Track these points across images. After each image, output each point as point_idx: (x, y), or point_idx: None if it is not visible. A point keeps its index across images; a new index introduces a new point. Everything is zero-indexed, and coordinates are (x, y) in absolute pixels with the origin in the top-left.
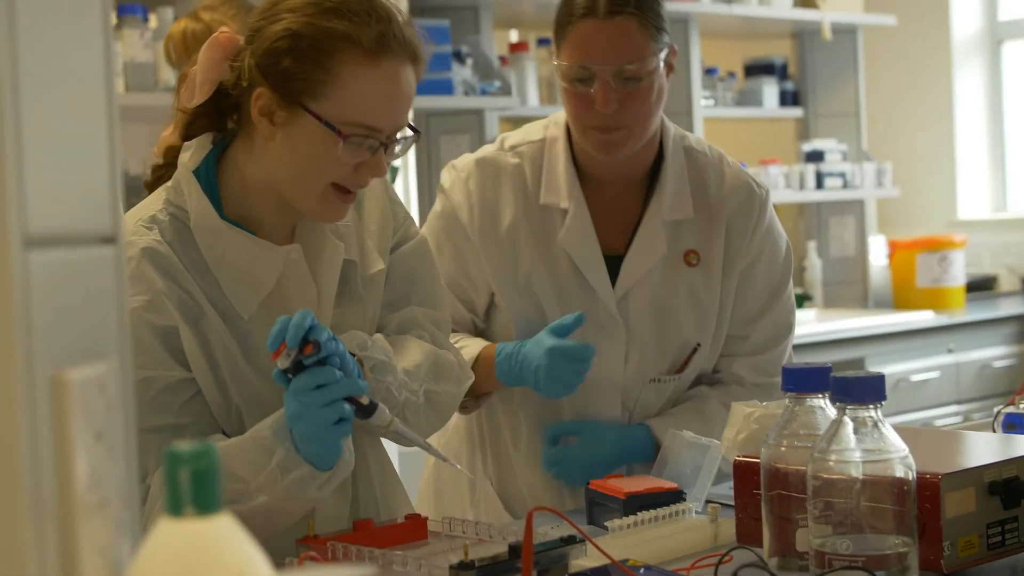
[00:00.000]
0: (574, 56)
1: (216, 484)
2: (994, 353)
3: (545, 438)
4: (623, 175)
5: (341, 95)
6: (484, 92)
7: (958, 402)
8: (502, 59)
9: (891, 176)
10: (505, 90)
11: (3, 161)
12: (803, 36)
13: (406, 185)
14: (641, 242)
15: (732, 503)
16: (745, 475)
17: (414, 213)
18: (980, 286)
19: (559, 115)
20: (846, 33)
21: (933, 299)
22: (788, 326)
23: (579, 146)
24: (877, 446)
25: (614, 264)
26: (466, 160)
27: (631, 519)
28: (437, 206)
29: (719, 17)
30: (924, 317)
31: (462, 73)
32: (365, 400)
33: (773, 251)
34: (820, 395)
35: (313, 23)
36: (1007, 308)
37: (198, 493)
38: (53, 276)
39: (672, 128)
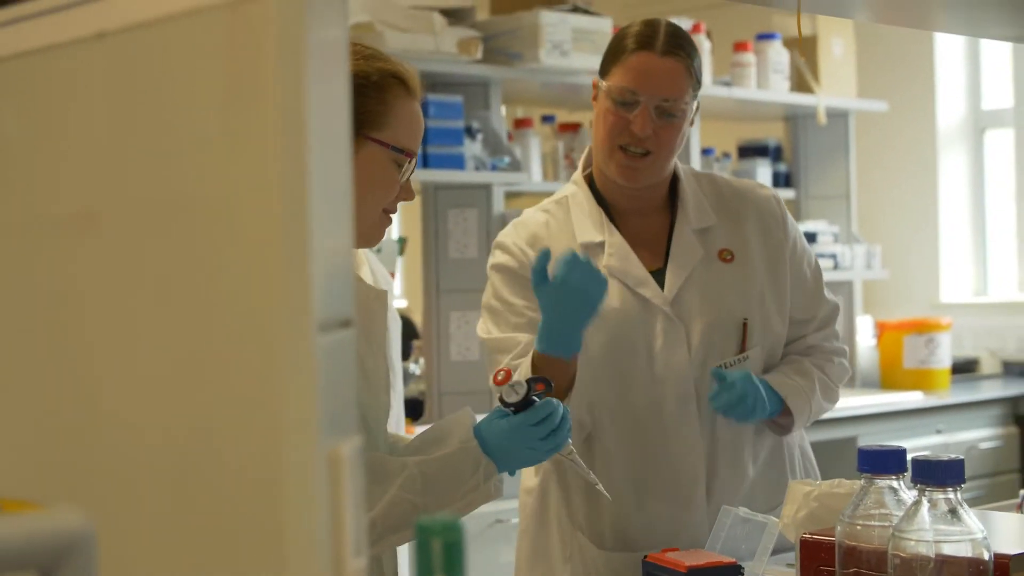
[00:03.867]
0: (624, 80)
1: (463, 554)
2: (980, 435)
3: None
4: (644, 204)
5: (396, 124)
6: (494, 167)
7: None
8: (508, 134)
9: (880, 258)
10: (514, 166)
11: (309, 252)
12: (796, 119)
13: (412, 257)
14: (678, 250)
15: None
16: (812, 552)
17: (418, 284)
18: (963, 368)
19: (571, 180)
20: (839, 117)
21: (920, 380)
22: (833, 299)
23: (602, 183)
24: (956, 527)
25: (657, 278)
26: (507, 227)
27: None
28: (494, 260)
29: (716, 99)
30: (914, 398)
31: (473, 148)
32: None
33: (801, 237)
34: (894, 476)
35: (365, 65)
36: (989, 391)
37: (447, 563)
38: (326, 359)
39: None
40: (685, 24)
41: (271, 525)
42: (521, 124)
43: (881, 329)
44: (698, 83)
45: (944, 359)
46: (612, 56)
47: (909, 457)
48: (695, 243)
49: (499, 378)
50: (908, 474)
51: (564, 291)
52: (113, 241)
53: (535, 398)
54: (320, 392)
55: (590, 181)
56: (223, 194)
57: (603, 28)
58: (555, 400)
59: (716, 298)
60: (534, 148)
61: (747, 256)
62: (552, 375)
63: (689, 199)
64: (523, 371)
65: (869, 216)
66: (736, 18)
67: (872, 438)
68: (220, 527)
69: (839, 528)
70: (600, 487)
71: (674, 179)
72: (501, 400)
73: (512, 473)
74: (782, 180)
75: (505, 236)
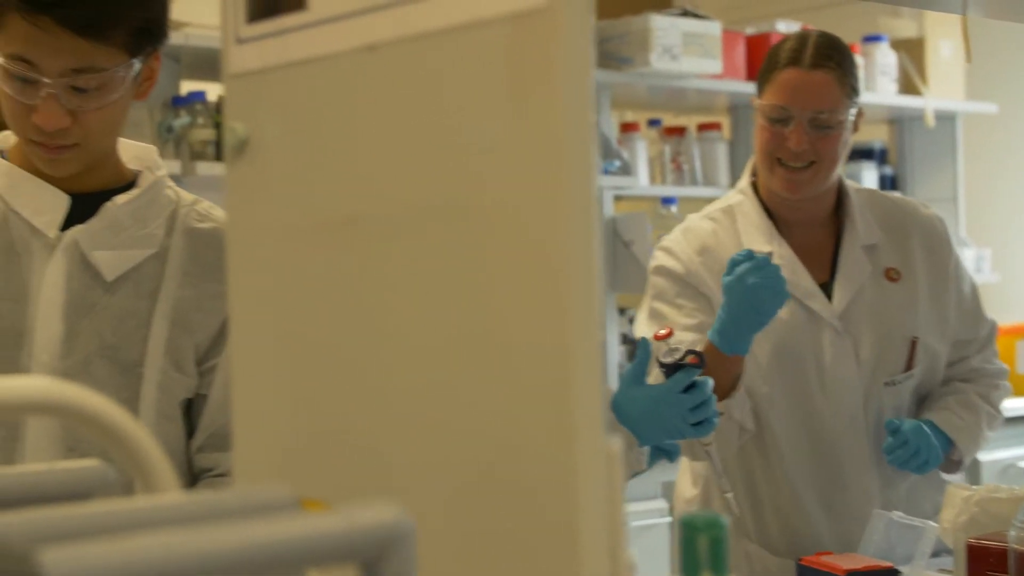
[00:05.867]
0: (775, 98)
1: (727, 550)
2: None
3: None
4: (810, 217)
5: None
6: (606, 171)
7: None
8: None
9: (990, 262)
10: (625, 170)
11: (595, 254)
12: (902, 122)
13: None
14: (846, 265)
15: None
16: (980, 557)
17: None
18: None
19: (737, 189)
20: (946, 120)
21: None
22: (991, 317)
23: (767, 194)
24: None
25: (824, 291)
26: (674, 233)
27: None
28: (660, 263)
29: None
30: None
31: None
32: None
33: (961, 258)
34: None
35: None
36: None
37: (713, 558)
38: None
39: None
40: (792, 27)
41: (565, 520)
42: (628, 128)
43: None
44: (853, 91)
45: None
46: (765, 74)
47: None
48: (863, 259)
49: (660, 333)
50: None
51: (752, 288)
52: (387, 244)
53: (681, 365)
54: (603, 391)
55: (756, 191)
56: (509, 198)
57: (712, 32)
58: (709, 380)
59: (885, 315)
60: (641, 152)
61: (913, 276)
62: (718, 370)
63: (857, 214)
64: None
65: (978, 220)
66: (843, 20)
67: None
68: (515, 523)
69: (1012, 533)
70: (729, 495)
71: (839, 192)
72: (656, 360)
73: (652, 450)
74: (888, 183)
75: (673, 243)
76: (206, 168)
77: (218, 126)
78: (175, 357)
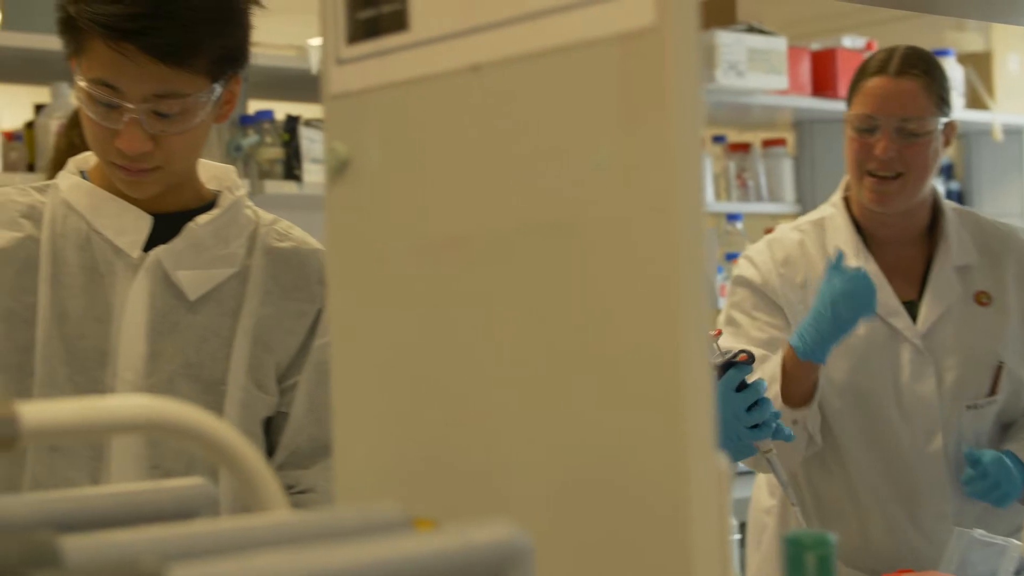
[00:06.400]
0: (862, 107)
1: (834, 568)
2: None
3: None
4: (902, 232)
5: None
6: None
7: None
8: None
9: None
10: None
11: (704, 273)
12: (969, 136)
13: None
14: (935, 285)
15: None
16: None
17: None
18: None
19: (829, 202)
20: (1013, 134)
21: None
22: None
23: (859, 209)
24: None
25: (909, 309)
26: (760, 242)
27: None
28: (741, 272)
29: None
30: None
31: None
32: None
33: None
34: None
35: None
36: None
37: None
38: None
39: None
40: (858, 42)
41: (678, 539)
42: None
43: None
44: (943, 102)
45: None
46: (853, 86)
47: None
48: (954, 280)
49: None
50: None
51: (839, 294)
52: (492, 263)
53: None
54: (713, 409)
55: (848, 206)
56: (620, 216)
57: (777, 47)
58: (763, 380)
59: (971, 337)
60: (706, 169)
61: (1004, 301)
62: (794, 376)
63: (952, 234)
64: (772, 366)
65: None
66: (908, 34)
67: None
68: (627, 541)
69: None
70: (797, 508)
71: (935, 210)
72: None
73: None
74: (954, 198)
75: (756, 252)
76: (274, 187)
77: (285, 144)
78: (256, 375)
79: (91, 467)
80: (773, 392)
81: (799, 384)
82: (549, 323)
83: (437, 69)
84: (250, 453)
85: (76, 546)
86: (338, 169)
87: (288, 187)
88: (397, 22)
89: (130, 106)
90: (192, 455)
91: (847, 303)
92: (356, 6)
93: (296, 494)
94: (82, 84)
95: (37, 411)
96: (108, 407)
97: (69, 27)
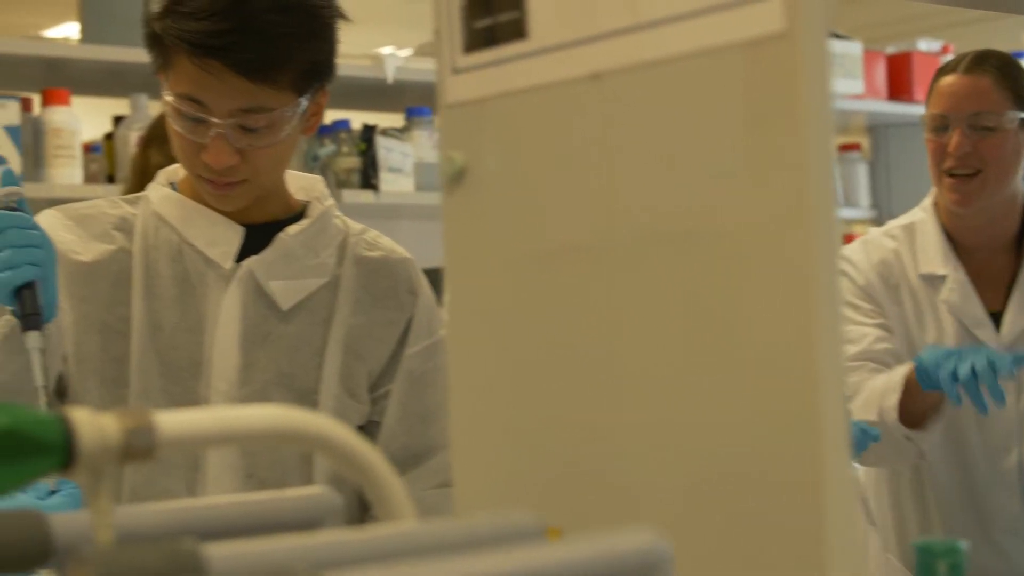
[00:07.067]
0: (934, 107)
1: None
2: None
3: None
4: (990, 240)
5: None
6: None
7: None
8: None
9: None
10: None
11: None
12: None
13: None
14: (1020, 295)
15: None
16: None
17: None
18: None
19: (919, 207)
20: None
21: None
22: None
23: (946, 215)
24: None
25: (996, 319)
26: (854, 244)
27: None
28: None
29: None
30: None
31: None
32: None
33: None
34: None
35: None
36: None
37: None
38: None
39: None
40: (934, 46)
41: (814, 551)
42: None
43: None
44: (1019, 97)
45: None
46: (929, 91)
47: None
48: None
49: None
50: None
51: (970, 376)
52: (614, 270)
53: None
54: (848, 415)
55: (937, 213)
56: (750, 222)
57: (853, 51)
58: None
59: None
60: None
61: None
62: (913, 397)
63: None
64: (895, 378)
65: None
66: (985, 37)
67: None
68: (761, 550)
69: None
70: (873, 528)
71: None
72: None
73: None
74: None
75: (852, 252)
76: (352, 196)
77: (362, 154)
78: (348, 384)
79: (188, 477)
80: (890, 403)
81: (917, 403)
82: (680, 331)
83: (556, 77)
84: (380, 463)
85: (219, 555)
86: (455, 178)
87: (365, 196)
88: (515, 31)
89: (216, 121)
90: (287, 465)
91: (968, 383)
92: (473, 15)
93: None
94: (169, 99)
95: (173, 421)
96: (242, 417)
97: (156, 43)
